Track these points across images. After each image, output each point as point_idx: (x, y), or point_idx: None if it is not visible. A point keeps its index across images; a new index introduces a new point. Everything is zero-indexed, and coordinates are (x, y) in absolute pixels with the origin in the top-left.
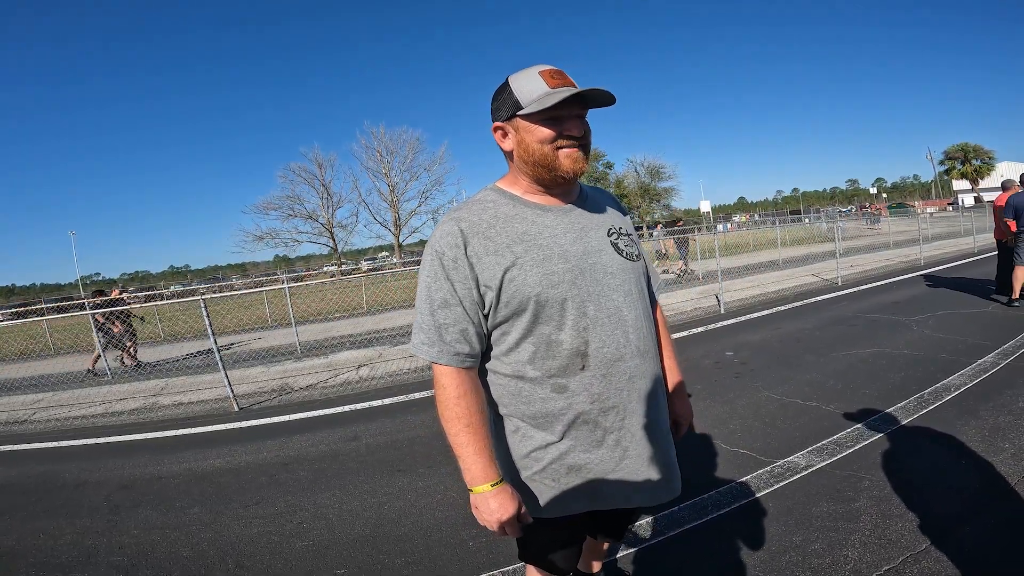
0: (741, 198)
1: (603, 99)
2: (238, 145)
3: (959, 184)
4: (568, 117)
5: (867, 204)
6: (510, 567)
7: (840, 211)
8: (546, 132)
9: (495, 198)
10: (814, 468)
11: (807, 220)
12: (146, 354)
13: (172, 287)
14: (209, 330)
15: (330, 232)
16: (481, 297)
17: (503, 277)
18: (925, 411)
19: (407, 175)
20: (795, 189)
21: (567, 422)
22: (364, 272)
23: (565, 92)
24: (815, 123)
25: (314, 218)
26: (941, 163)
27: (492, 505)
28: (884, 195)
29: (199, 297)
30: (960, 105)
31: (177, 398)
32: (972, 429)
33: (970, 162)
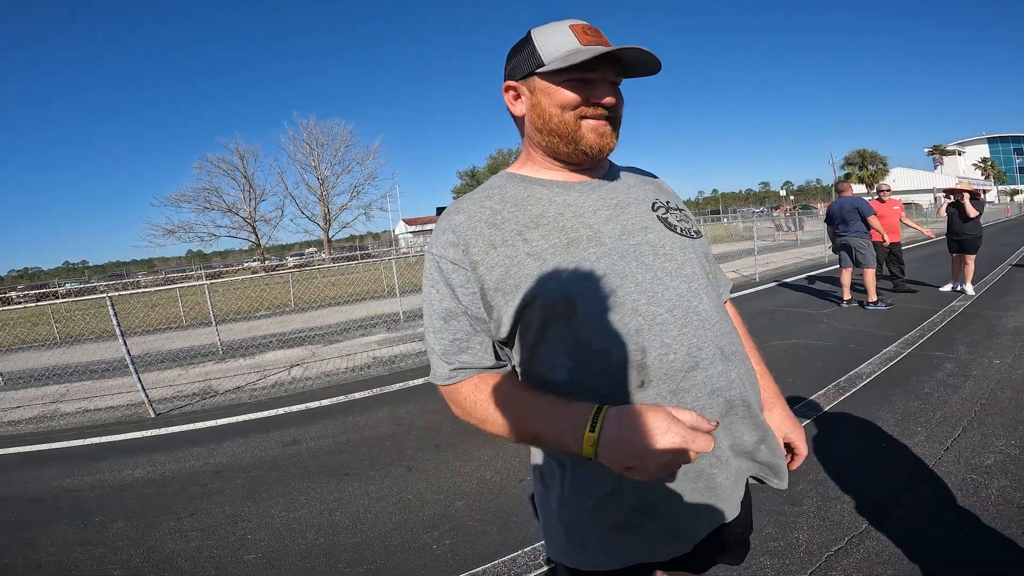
0: None
1: (645, 66)
2: (144, 135)
3: (857, 188)
4: (599, 81)
5: (791, 207)
6: (478, 568)
7: (754, 211)
8: (570, 96)
9: (503, 183)
10: None
11: (725, 220)
12: (65, 356)
13: (67, 284)
14: (117, 330)
15: (252, 226)
16: (489, 303)
17: (517, 273)
18: (843, 397)
19: (338, 168)
20: (715, 190)
21: None
22: (291, 268)
23: (599, 49)
24: (736, 126)
25: (234, 211)
26: (841, 167)
27: (630, 430)
28: (791, 196)
29: (105, 295)
30: (862, 112)
31: (81, 404)
32: (887, 414)
33: (867, 167)
